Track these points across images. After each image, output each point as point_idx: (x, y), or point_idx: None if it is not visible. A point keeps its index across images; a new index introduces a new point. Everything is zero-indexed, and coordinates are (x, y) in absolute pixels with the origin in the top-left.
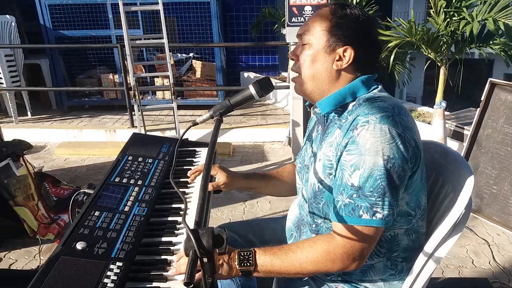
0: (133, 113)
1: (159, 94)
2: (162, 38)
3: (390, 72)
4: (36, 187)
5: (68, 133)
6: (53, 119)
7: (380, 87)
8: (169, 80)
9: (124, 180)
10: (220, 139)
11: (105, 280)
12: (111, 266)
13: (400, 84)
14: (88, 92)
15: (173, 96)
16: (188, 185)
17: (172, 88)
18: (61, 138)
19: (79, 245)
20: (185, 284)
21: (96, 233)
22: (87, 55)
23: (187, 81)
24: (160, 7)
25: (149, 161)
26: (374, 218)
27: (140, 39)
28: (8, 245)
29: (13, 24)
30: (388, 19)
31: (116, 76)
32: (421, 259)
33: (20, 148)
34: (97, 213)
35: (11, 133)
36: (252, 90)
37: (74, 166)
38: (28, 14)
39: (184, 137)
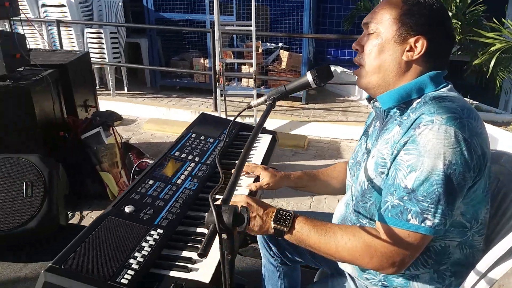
0: (217, 97)
1: (244, 82)
2: (251, 26)
3: (488, 78)
4: (121, 156)
5: (158, 110)
6: (146, 96)
7: (450, 85)
8: (253, 67)
9: (183, 155)
10: (296, 131)
11: (143, 244)
12: (152, 232)
13: (504, 92)
14: (180, 74)
15: (254, 84)
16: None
17: (254, 76)
18: (150, 114)
19: (128, 209)
20: (198, 255)
21: (146, 200)
22: (182, 38)
23: (272, 71)
24: None
25: (210, 140)
26: (422, 224)
27: (232, 25)
28: (91, 206)
29: (119, 4)
30: (495, 20)
31: (207, 61)
32: (472, 277)
33: (111, 119)
34: (150, 182)
35: (108, 104)
36: (309, 77)
37: (159, 141)
38: None
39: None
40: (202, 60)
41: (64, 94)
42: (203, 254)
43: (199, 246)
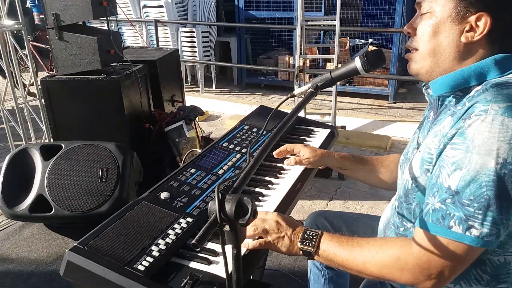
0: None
1: None
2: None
3: None
4: (201, 149)
5: (241, 107)
6: (231, 93)
7: None
8: (334, 63)
9: (231, 146)
10: (379, 131)
11: (169, 232)
12: (181, 220)
13: None
14: (265, 72)
15: None
16: (284, 169)
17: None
18: (234, 110)
19: (163, 195)
20: (192, 245)
21: (183, 188)
22: (270, 36)
23: None
24: None
25: (262, 133)
26: (467, 233)
27: (319, 21)
28: None
29: (212, 4)
30: None
31: (292, 58)
32: None
33: (194, 113)
34: (192, 170)
35: (196, 100)
36: (357, 63)
37: None
38: None
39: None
40: (287, 58)
41: (152, 89)
42: (197, 245)
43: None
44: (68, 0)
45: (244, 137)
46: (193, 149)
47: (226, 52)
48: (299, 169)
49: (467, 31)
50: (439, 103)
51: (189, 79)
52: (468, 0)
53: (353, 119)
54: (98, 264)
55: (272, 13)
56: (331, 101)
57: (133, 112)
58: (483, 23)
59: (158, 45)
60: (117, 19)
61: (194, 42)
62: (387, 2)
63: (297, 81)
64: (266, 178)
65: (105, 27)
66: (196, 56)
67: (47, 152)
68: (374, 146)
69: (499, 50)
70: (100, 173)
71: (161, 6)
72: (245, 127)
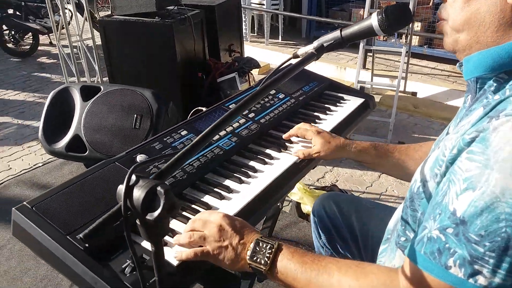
0: (360, 52)
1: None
2: None
3: None
4: None
5: None
6: (297, 47)
7: None
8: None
9: None
10: (454, 102)
11: None
12: None
13: None
14: (336, 25)
15: (405, 41)
16: (292, 142)
17: (406, 31)
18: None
19: (139, 158)
20: (80, 238)
21: (165, 152)
22: None
23: None
24: None
25: (279, 96)
26: (470, 280)
27: None
28: None
29: None
30: None
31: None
32: None
33: (249, 66)
34: (183, 133)
35: (259, 52)
36: (373, 19)
37: None
38: None
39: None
40: (361, 11)
41: (209, 36)
42: (84, 239)
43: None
44: None
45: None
46: None
47: (297, 2)
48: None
49: None
50: (477, 86)
51: (255, 29)
52: None
53: (427, 85)
54: (39, 229)
55: None
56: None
57: (186, 59)
58: None
59: None
60: None
61: None
62: None
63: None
64: (267, 151)
65: None
66: (264, 4)
67: (87, 93)
68: (444, 118)
69: None
70: (134, 120)
71: None
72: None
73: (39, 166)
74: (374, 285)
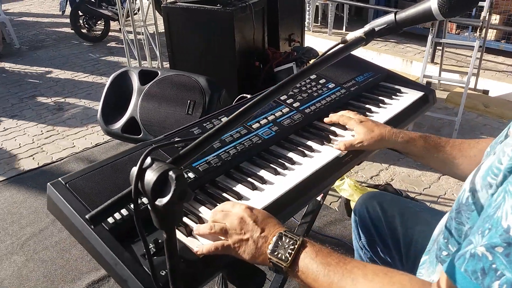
0: (428, 45)
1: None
2: None
3: None
4: None
5: (367, 54)
6: None
7: None
8: (486, 14)
9: (283, 97)
10: None
11: None
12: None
13: None
14: None
15: (478, 35)
16: (337, 135)
17: (481, 24)
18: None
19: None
20: (87, 219)
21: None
22: None
23: None
24: None
25: (329, 85)
26: None
27: None
28: None
29: None
30: None
31: None
32: None
33: (307, 56)
34: (224, 119)
35: (321, 42)
36: (432, 2)
37: None
38: None
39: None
40: None
41: (269, 25)
42: (90, 221)
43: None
44: None
45: (305, 87)
46: None
47: None
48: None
49: None
50: None
51: (319, 18)
52: None
53: (501, 84)
54: (69, 205)
55: None
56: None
57: (244, 48)
58: None
59: None
60: None
61: None
62: None
63: (432, 29)
64: (308, 142)
65: None
66: None
67: (145, 77)
68: None
69: None
70: (187, 105)
71: None
72: (312, 76)
73: (98, 145)
74: None
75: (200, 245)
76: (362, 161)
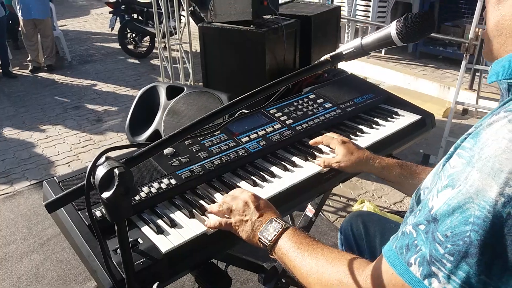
0: (461, 70)
1: None
2: None
3: None
4: None
5: (405, 78)
6: (400, 61)
7: None
8: None
9: (278, 114)
10: None
11: (144, 188)
12: (164, 180)
13: None
14: (447, 42)
15: None
16: (322, 152)
17: None
18: (395, 81)
19: (167, 150)
20: (45, 205)
21: (192, 148)
22: (460, 1)
23: None
24: None
25: (326, 105)
26: (425, 282)
27: None
28: None
29: None
30: None
31: (481, 30)
32: None
33: (338, 77)
34: (217, 132)
35: (358, 64)
36: (392, 29)
37: None
38: None
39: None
40: (477, 29)
41: (303, 46)
42: (46, 207)
43: (199, 213)
44: None
45: (301, 106)
46: None
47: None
48: None
49: None
50: (507, 93)
51: None
52: None
53: None
54: (60, 201)
55: None
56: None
57: (275, 67)
58: None
59: (332, 1)
60: None
61: (370, 1)
62: None
63: (466, 55)
64: (293, 158)
65: None
66: (369, 17)
67: (171, 92)
68: None
69: None
70: None
71: None
72: (310, 96)
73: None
74: (341, 270)
75: (169, 243)
76: (346, 180)
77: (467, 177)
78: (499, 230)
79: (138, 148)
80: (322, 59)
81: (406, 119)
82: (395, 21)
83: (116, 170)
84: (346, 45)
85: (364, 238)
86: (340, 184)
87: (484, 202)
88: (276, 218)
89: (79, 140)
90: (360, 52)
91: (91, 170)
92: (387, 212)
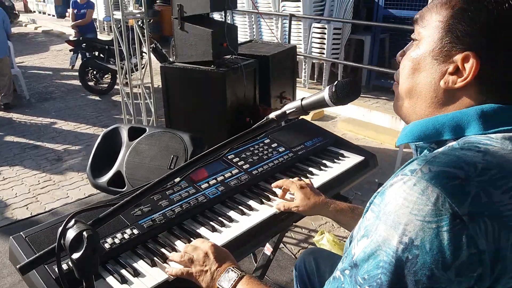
0: None
1: None
2: None
3: None
4: None
5: (360, 110)
6: None
7: None
8: None
9: (235, 159)
10: None
11: (108, 239)
12: (127, 230)
13: None
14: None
15: None
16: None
17: None
18: (351, 113)
19: None
20: (18, 268)
21: (154, 196)
22: (407, 37)
23: None
24: None
25: (280, 149)
26: None
27: None
28: None
29: (351, 0)
30: None
31: None
32: None
33: None
34: (177, 179)
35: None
36: (326, 94)
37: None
38: None
39: None
40: None
41: (262, 84)
42: (20, 270)
43: (160, 261)
44: None
45: (257, 151)
46: None
47: (360, 50)
48: None
49: (450, 73)
50: (416, 153)
51: (315, 75)
52: (455, 33)
53: None
54: (25, 256)
55: (414, 12)
56: None
57: (235, 105)
58: (470, 66)
59: (290, 39)
60: (253, 11)
61: (325, 38)
62: None
63: None
64: (249, 202)
65: (247, 21)
66: (323, 54)
67: (133, 133)
68: None
69: (497, 99)
70: (170, 160)
71: (298, 1)
72: (266, 140)
73: (87, 197)
74: None
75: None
76: (298, 220)
77: (376, 229)
78: (401, 272)
79: (105, 207)
80: (270, 116)
81: (351, 160)
82: (328, 87)
83: (85, 233)
84: (289, 105)
85: (316, 274)
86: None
87: (389, 249)
88: (233, 267)
89: (38, 181)
90: (301, 112)
91: (62, 233)
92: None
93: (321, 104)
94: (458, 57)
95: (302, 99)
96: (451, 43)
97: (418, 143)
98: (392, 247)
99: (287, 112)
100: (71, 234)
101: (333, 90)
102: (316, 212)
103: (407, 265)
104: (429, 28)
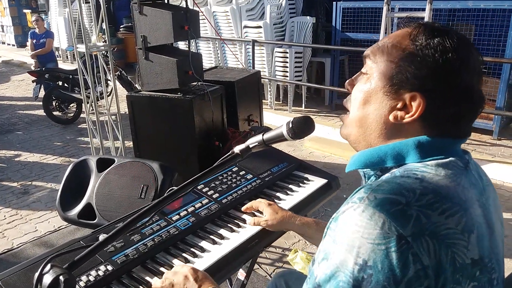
0: None
1: None
2: None
3: None
4: None
5: (324, 129)
6: (319, 114)
7: (449, 160)
8: None
9: (205, 189)
10: None
11: (83, 277)
12: (101, 267)
13: None
14: None
15: None
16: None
17: None
18: (316, 132)
19: (101, 237)
20: None
21: (128, 231)
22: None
23: None
24: (425, 14)
25: (247, 176)
26: None
27: None
28: None
29: (310, 25)
30: None
31: None
32: None
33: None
34: (154, 218)
35: (282, 119)
36: (284, 130)
37: (315, 160)
38: (330, 16)
39: None
40: None
41: (228, 108)
42: None
43: None
44: (154, 24)
45: (226, 179)
46: None
47: (322, 72)
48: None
49: (399, 109)
50: (365, 179)
51: (281, 96)
52: (405, 74)
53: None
54: None
55: (369, 35)
56: None
57: (204, 130)
58: (416, 105)
59: (254, 63)
60: (216, 37)
61: (287, 62)
62: (498, 29)
63: None
64: (220, 231)
65: (211, 47)
66: (287, 76)
67: (102, 164)
68: None
69: (439, 133)
70: (141, 190)
71: (259, 27)
72: (234, 168)
73: (57, 230)
74: None
75: None
76: (268, 245)
77: (334, 252)
78: None
79: (79, 249)
80: (235, 151)
81: (315, 183)
82: (286, 122)
83: (61, 277)
84: (252, 139)
85: None
86: None
87: (347, 270)
88: (214, 286)
89: (4, 216)
90: (263, 145)
91: (38, 280)
92: None
93: (280, 138)
94: (406, 96)
95: (263, 134)
96: (401, 82)
97: (365, 170)
98: (349, 268)
99: (250, 146)
100: (47, 279)
101: (291, 126)
102: (284, 225)
103: (363, 284)
104: (381, 65)
